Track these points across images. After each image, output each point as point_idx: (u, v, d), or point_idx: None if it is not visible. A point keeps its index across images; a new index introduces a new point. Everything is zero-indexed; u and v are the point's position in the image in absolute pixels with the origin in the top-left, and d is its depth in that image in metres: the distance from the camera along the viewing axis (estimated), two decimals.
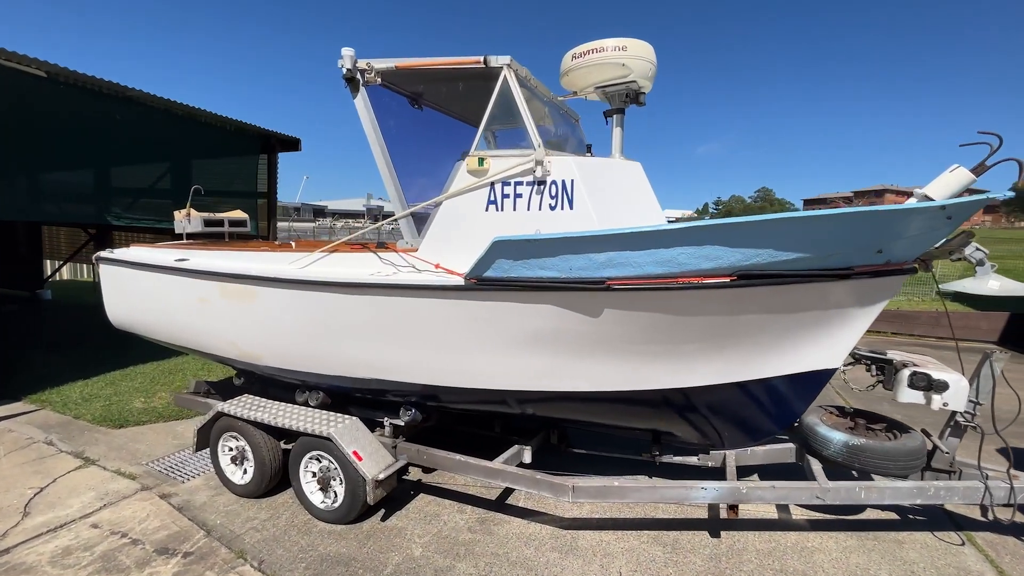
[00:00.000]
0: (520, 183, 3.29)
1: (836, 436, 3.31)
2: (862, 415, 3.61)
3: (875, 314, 3.18)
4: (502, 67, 3.31)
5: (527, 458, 3.87)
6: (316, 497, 3.79)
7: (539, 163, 3.17)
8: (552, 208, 3.23)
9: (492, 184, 3.33)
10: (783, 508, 3.78)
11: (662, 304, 2.92)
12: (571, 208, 3.20)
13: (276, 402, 4.19)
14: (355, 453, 3.54)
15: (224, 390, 5.50)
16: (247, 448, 4.09)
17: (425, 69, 3.43)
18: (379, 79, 3.47)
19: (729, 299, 2.91)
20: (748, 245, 2.67)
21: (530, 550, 3.34)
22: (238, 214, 6.27)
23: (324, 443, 3.67)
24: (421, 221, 3.63)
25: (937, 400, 3.11)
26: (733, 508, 3.16)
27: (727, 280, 2.80)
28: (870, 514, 3.74)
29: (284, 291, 3.67)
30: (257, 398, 4.32)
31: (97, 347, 8.29)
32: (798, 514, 3.75)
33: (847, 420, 3.66)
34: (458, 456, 3.57)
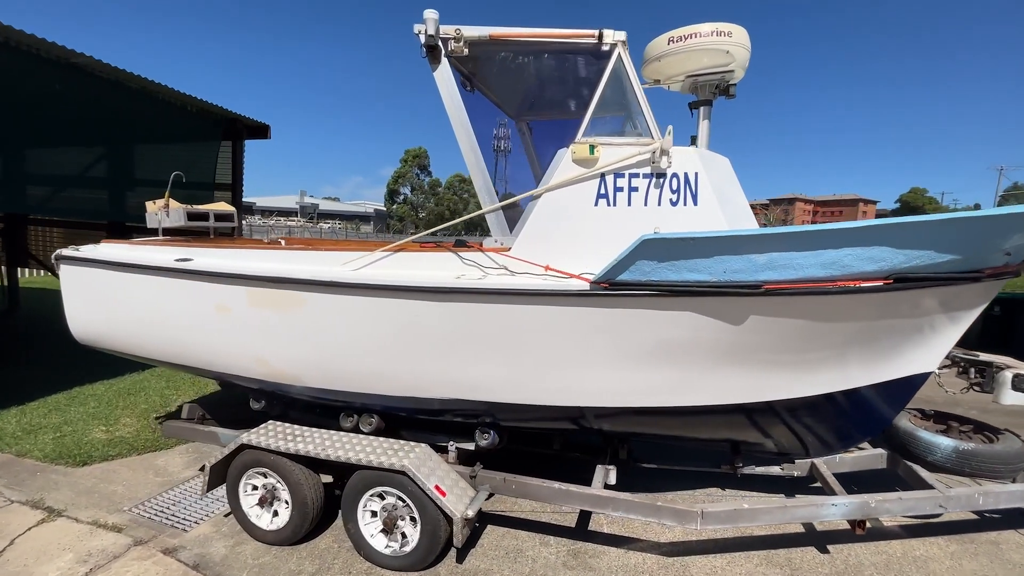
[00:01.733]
0: (636, 175, 2.94)
1: (944, 442, 3.26)
2: (949, 417, 3.62)
3: (974, 317, 3.16)
4: (616, 44, 2.93)
5: (612, 479, 3.51)
6: (378, 541, 3.20)
7: (663, 153, 2.84)
8: (673, 204, 2.91)
9: (602, 176, 2.95)
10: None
11: (811, 310, 2.69)
12: (695, 204, 2.90)
13: (316, 430, 3.53)
14: (437, 488, 3.01)
15: (220, 414, 4.68)
16: (279, 486, 3.41)
17: (525, 41, 2.98)
18: (466, 50, 2.97)
19: (876, 304, 2.75)
20: (914, 246, 2.51)
21: None
22: (223, 207, 5.41)
23: (393, 477, 3.10)
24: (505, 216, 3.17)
25: None
26: (860, 524, 3.00)
27: (881, 284, 2.62)
28: (945, 515, 3.75)
29: (346, 298, 3.06)
30: (288, 425, 3.62)
31: (29, 365, 6.91)
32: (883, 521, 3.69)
33: (930, 422, 3.65)
34: (557, 484, 3.14)
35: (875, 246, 2.47)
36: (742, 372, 2.96)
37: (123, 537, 3.50)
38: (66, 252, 4.04)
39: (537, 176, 5.10)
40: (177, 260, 3.63)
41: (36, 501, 3.84)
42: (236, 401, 5.34)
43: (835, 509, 2.98)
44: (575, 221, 2.96)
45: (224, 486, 3.58)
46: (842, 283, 2.57)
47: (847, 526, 3.16)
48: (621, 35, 2.93)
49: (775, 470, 3.81)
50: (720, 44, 3.21)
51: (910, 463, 3.41)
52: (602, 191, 2.95)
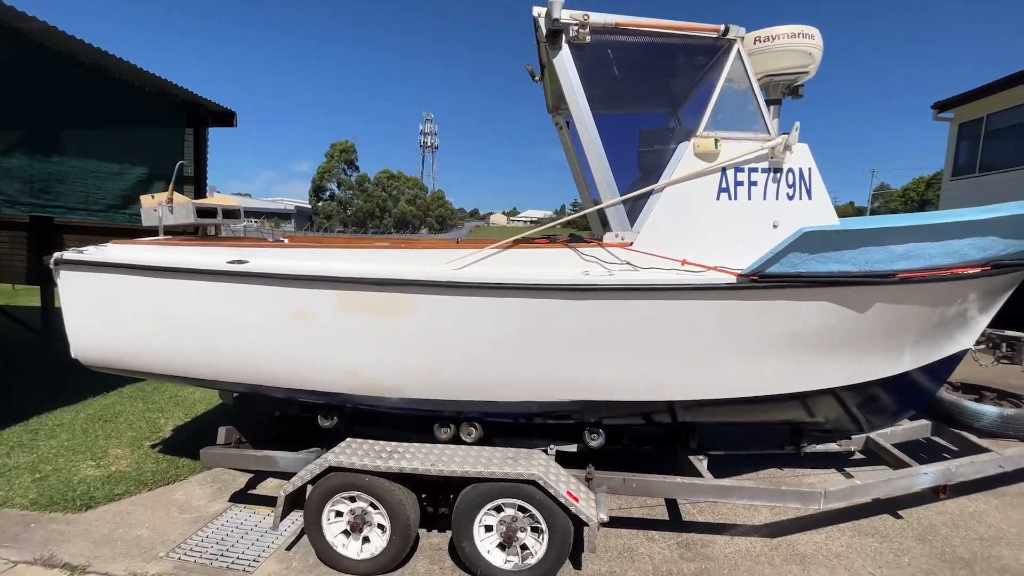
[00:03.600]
0: (755, 170, 3.00)
1: (989, 409, 3.70)
2: (976, 388, 4.10)
3: (1005, 299, 3.61)
4: (736, 39, 2.97)
5: (705, 468, 3.58)
6: (496, 556, 3.01)
7: (787, 148, 2.92)
8: (790, 198, 3.01)
9: (723, 170, 2.98)
10: None
11: (923, 296, 2.92)
12: (809, 198, 3.02)
13: (409, 444, 3.24)
14: (569, 494, 2.88)
15: (248, 433, 4.13)
16: (372, 511, 3.10)
17: (647, 31, 2.92)
18: (589, 37, 2.85)
19: (969, 288, 3.03)
20: (1015, 235, 2.79)
21: (769, 568, 3.08)
22: (228, 201, 4.82)
23: (519, 488, 2.92)
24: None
25: None
26: (943, 489, 3.31)
27: (980, 271, 2.90)
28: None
29: (467, 299, 2.82)
30: (372, 442, 3.28)
31: None
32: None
33: (959, 393, 4.11)
34: (680, 479, 3.15)
35: (989, 236, 2.73)
36: (845, 358, 3.14)
37: None
38: (68, 255, 3.35)
39: (576, 173, 5.04)
40: (230, 262, 3.15)
41: (47, 559, 3.16)
42: (245, 420, 4.76)
43: (927, 477, 3.27)
44: (699, 214, 2.97)
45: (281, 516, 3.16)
46: (955, 270, 2.81)
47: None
48: (742, 30, 2.97)
49: (832, 447, 4.10)
50: (804, 46, 3.35)
51: (958, 431, 3.82)
52: (723, 185, 2.98)
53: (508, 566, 2.99)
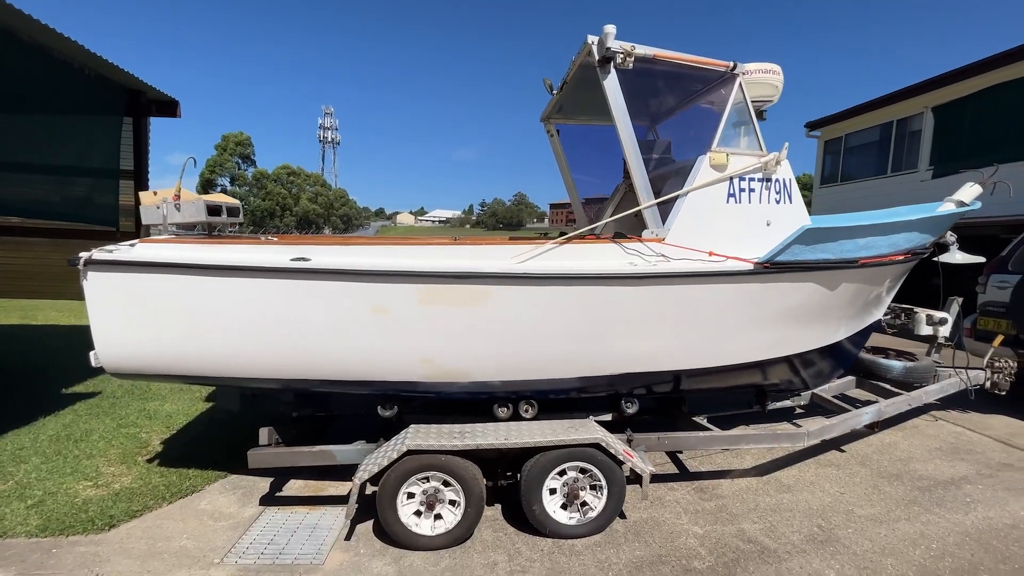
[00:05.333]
0: (752, 179, 3.73)
1: (897, 364, 4.86)
2: (880, 349, 5.31)
3: (903, 279, 4.80)
4: (739, 73, 3.67)
5: (709, 424, 4.30)
6: (560, 515, 3.42)
7: (778, 163, 3.68)
8: (777, 202, 3.79)
9: (731, 179, 3.67)
10: None
11: (869, 276, 3.85)
12: (791, 202, 3.82)
13: (473, 424, 3.53)
14: (626, 452, 3.39)
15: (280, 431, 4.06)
16: (444, 488, 3.35)
17: (675, 62, 3.51)
18: (631, 65, 3.37)
19: (892, 271, 4.05)
20: (926, 231, 3.83)
21: (768, 497, 3.85)
22: (226, 199, 4.65)
23: (584, 451, 3.36)
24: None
25: (941, 331, 4.92)
26: (876, 424, 4.34)
27: (902, 258, 3.91)
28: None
29: (539, 288, 3.18)
30: (435, 425, 3.52)
31: None
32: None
33: (872, 353, 5.31)
34: (700, 433, 3.79)
35: (914, 231, 3.72)
36: (815, 327, 4.01)
37: None
38: (99, 255, 3.13)
39: (565, 177, 5.57)
40: (293, 260, 3.19)
41: None
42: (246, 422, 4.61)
43: (867, 416, 4.27)
44: (714, 214, 3.62)
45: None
46: (891, 257, 3.78)
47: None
48: (743, 66, 3.69)
49: (788, 403, 5.07)
50: (771, 80, 4.19)
51: (876, 382, 4.96)
52: (731, 191, 3.67)
53: (572, 521, 3.41)
